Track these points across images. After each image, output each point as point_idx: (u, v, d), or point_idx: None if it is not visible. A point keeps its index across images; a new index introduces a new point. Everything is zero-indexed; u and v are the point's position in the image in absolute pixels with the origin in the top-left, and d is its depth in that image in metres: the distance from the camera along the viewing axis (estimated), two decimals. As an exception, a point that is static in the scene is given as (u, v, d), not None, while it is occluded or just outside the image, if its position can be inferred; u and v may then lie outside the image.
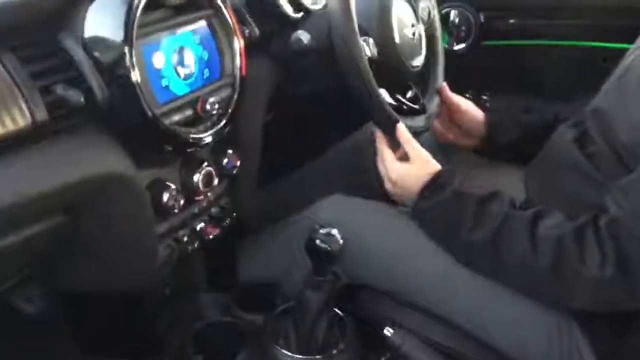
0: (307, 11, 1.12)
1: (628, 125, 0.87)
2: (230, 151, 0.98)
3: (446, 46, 1.50)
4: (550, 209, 0.90)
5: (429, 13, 1.22)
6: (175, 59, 0.86)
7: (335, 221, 0.96)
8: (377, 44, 1.05)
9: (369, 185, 1.09)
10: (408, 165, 1.00)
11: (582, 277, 0.82)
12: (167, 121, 0.82)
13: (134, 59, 0.76)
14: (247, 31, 1.02)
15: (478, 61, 1.53)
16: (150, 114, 0.78)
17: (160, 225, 0.89)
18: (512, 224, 0.89)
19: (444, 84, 1.17)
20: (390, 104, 1.08)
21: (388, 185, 1.02)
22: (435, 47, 1.23)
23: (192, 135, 0.87)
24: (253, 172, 1.08)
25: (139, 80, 0.77)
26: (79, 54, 0.76)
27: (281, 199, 1.22)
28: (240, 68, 0.94)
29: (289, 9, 1.10)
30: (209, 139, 0.88)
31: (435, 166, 0.99)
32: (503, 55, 1.52)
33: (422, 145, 1.03)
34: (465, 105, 1.18)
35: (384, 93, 1.09)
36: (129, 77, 0.76)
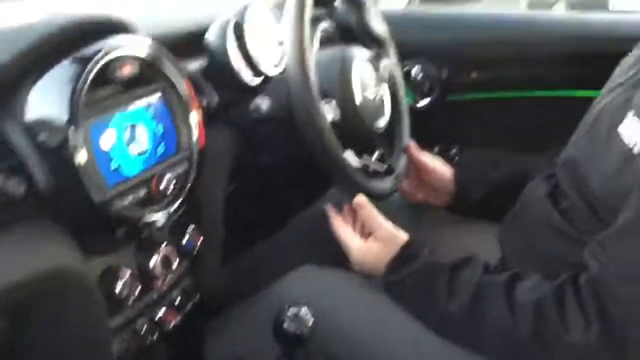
0: (267, 76, 1.10)
1: (599, 177, 0.84)
2: (190, 228, 0.93)
3: (411, 102, 1.50)
4: (527, 271, 0.87)
5: (391, 72, 1.21)
6: (127, 137, 0.81)
7: (306, 295, 0.91)
8: (340, 106, 1.03)
9: (340, 253, 1.05)
10: (372, 242, 0.97)
11: (565, 343, 0.78)
12: (118, 205, 0.77)
13: (80, 141, 0.71)
14: (204, 100, 0.99)
15: (444, 116, 1.52)
16: (98, 200, 0.73)
17: (114, 319, 0.81)
18: (487, 291, 0.85)
19: (411, 143, 1.15)
20: (356, 167, 1.06)
21: (354, 263, 0.99)
22: (399, 105, 1.22)
23: (146, 217, 0.81)
24: (216, 248, 1.02)
25: (85, 164, 0.72)
26: (19, 140, 0.71)
27: (247, 274, 1.16)
28: (198, 140, 0.90)
29: (247, 76, 1.07)
30: (165, 220, 0.83)
31: (402, 237, 0.96)
32: (468, 109, 1.52)
33: (391, 206, 1.00)
34: (433, 163, 1.17)
35: (349, 155, 1.07)
36: (73, 161, 0.71)
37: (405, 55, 1.45)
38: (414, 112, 1.42)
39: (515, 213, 1.02)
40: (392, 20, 1.47)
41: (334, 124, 1.00)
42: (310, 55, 0.97)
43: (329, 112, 1.01)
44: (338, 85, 1.04)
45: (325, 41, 1.19)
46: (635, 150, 0.78)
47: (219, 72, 1.03)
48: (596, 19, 1.33)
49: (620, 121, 0.84)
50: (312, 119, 0.95)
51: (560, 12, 1.69)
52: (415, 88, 1.50)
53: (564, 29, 1.41)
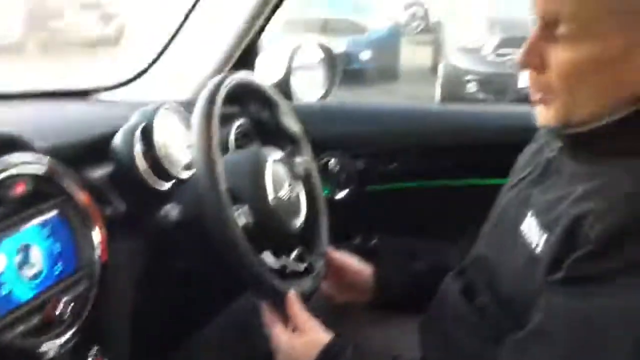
0: (178, 180, 1.07)
1: (508, 276, 0.85)
2: (94, 350, 0.86)
3: (329, 195, 1.50)
4: None
5: (306, 168, 1.21)
6: (19, 260, 0.76)
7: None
8: (253, 209, 1.01)
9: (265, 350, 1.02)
10: (298, 338, 0.95)
11: None
12: (9, 335, 0.71)
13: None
14: (109, 209, 0.95)
15: (362, 207, 1.53)
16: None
17: None
18: None
19: (329, 249, 1.14)
20: (274, 269, 1.03)
21: (279, 358, 0.96)
22: (316, 202, 1.21)
23: (42, 347, 0.75)
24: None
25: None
26: None
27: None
28: (100, 256, 0.85)
29: (156, 181, 1.04)
30: (61, 349, 0.77)
31: (325, 337, 0.94)
32: (386, 198, 1.54)
33: (312, 306, 0.99)
34: (351, 263, 1.16)
35: (267, 256, 1.04)
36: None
37: (322, 148, 1.47)
38: (332, 204, 1.42)
39: (432, 310, 1.02)
40: (307, 113, 1.50)
41: (247, 228, 0.98)
42: (219, 160, 0.95)
43: (241, 216, 0.98)
44: (250, 188, 1.02)
45: (242, 137, 1.19)
46: (537, 251, 0.79)
47: (125, 178, 1.00)
48: (501, 110, 1.40)
49: (522, 219, 0.85)
50: (222, 225, 0.92)
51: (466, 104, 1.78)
52: (333, 180, 1.51)
53: (471, 119, 1.48)
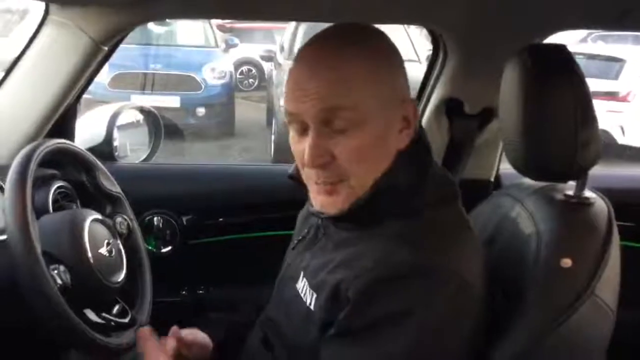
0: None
1: (293, 329, 0.95)
2: None
3: (154, 250, 1.55)
4: None
5: (128, 226, 1.26)
6: None
7: None
8: (71, 269, 1.04)
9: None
10: None
11: None
12: None
13: None
14: None
15: (188, 260, 1.60)
16: None
17: None
18: None
19: (174, 328, 1.11)
20: (97, 324, 1.06)
21: None
22: (139, 257, 1.26)
23: None
24: None
25: None
26: None
27: None
28: None
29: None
30: None
31: None
32: (211, 250, 1.62)
33: None
34: (192, 335, 1.12)
35: (89, 313, 1.07)
36: None
37: (146, 206, 1.54)
38: (158, 259, 1.48)
39: (243, 356, 1.08)
40: (130, 174, 1.56)
41: (66, 287, 1.01)
42: (33, 223, 0.98)
43: (59, 276, 1.01)
44: (68, 248, 1.05)
45: (62, 199, 1.21)
46: (312, 309, 0.91)
47: None
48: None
49: (297, 280, 0.97)
50: (38, 287, 0.95)
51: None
52: (157, 236, 1.57)
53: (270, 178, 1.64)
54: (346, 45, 0.87)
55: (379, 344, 0.84)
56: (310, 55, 0.89)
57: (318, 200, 0.92)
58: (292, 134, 0.91)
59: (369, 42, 0.89)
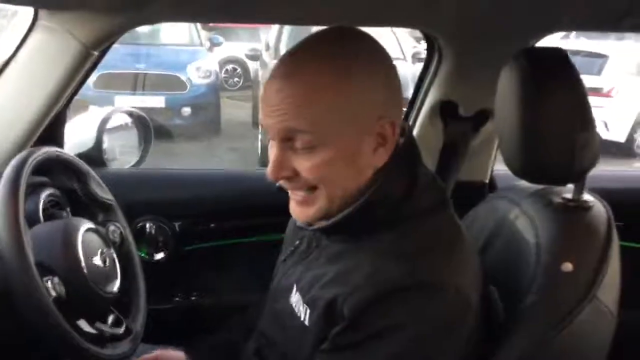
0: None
1: (286, 343, 0.95)
2: None
3: (147, 257, 1.54)
4: None
5: (121, 234, 1.25)
6: None
7: None
8: (64, 280, 1.02)
9: None
10: None
11: None
12: None
13: None
14: None
15: (181, 266, 1.58)
16: None
17: None
18: None
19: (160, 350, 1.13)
20: (91, 335, 1.05)
21: None
22: (132, 266, 1.25)
23: None
24: None
25: None
26: None
27: None
28: None
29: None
30: None
31: None
32: (204, 256, 1.60)
33: None
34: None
35: (83, 324, 1.06)
36: None
37: (138, 212, 1.52)
38: (151, 266, 1.46)
39: None
40: (121, 180, 1.54)
41: (60, 298, 1.00)
42: (26, 234, 0.97)
43: (53, 288, 1.00)
44: (61, 259, 1.03)
45: (52, 207, 1.19)
46: (306, 323, 0.91)
47: None
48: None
49: (290, 293, 0.97)
50: (32, 299, 0.93)
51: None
52: (150, 242, 1.55)
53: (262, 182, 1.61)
54: (313, 62, 0.86)
55: (374, 358, 0.84)
56: (278, 70, 0.88)
57: (291, 208, 0.93)
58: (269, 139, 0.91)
59: (341, 58, 0.86)
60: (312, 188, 0.89)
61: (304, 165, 0.87)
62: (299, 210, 0.92)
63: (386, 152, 0.89)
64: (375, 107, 0.87)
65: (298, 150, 0.86)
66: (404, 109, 1.48)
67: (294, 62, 0.88)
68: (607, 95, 6.76)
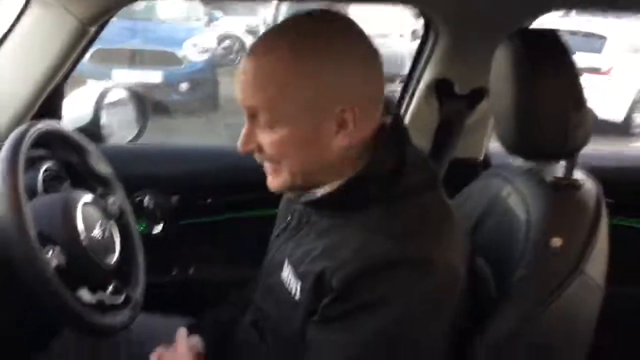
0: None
1: (279, 317, 0.97)
2: None
3: (145, 230, 1.55)
4: None
5: (120, 206, 1.26)
6: None
7: None
8: (65, 250, 1.04)
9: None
10: None
11: None
12: None
13: None
14: None
15: (178, 240, 1.60)
16: None
17: None
18: None
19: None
20: (91, 304, 1.07)
21: None
22: (131, 237, 1.26)
23: None
24: None
25: None
26: None
27: None
28: None
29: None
30: None
31: None
32: (201, 230, 1.62)
33: None
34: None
35: (84, 293, 1.08)
36: None
37: (136, 186, 1.53)
38: (150, 239, 1.48)
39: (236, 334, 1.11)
40: (119, 154, 1.55)
41: (60, 267, 1.01)
42: (26, 205, 0.98)
43: (54, 257, 1.02)
44: (61, 230, 1.05)
45: (51, 180, 1.20)
46: (297, 298, 0.93)
47: None
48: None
49: (282, 268, 0.98)
50: (33, 267, 0.95)
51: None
52: (148, 216, 1.56)
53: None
54: (278, 45, 0.87)
55: (360, 330, 0.87)
56: (250, 49, 0.91)
57: (269, 180, 0.96)
58: None
59: (305, 44, 0.86)
60: (275, 161, 0.92)
61: (265, 140, 0.91)
62: (270, 180, 0.95)
63: (349, 135, 0.88)
64: (336, 94, 0.87)
65: (261, 126, 0.90)
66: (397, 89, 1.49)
67: (262, 42, 0.91)
68: (607, 73, 6.74)
